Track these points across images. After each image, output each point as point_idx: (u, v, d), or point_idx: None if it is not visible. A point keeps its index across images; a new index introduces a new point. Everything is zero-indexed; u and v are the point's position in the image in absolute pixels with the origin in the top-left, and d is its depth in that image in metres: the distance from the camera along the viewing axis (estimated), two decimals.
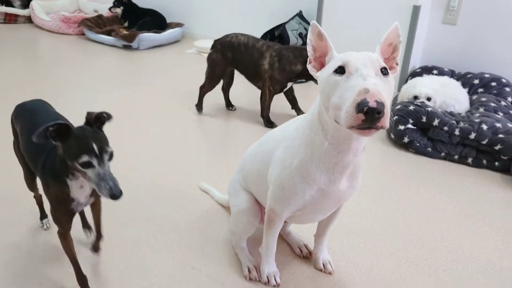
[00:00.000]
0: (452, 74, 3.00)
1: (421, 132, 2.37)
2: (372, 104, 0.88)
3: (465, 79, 2.91)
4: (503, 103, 2.60)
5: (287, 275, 1.52)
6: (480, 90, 2.82)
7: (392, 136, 2.43)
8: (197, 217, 1.80)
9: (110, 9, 4.42)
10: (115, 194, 1.05)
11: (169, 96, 3.06)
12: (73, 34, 4.46)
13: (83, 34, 4.38)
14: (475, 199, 1.99)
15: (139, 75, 3.50)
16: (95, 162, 1.04)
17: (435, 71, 3.00)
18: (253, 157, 1.39)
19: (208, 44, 4.08)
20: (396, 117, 2.39)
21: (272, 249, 1.44)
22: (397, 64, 1.11)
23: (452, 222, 1.84)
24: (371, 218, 1.84)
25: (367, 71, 0.96)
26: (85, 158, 1.03)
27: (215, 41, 2.67)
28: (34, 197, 1.63)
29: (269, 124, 2.64)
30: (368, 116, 0.89)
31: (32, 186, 1.56)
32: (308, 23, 3.54)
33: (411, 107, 2.37)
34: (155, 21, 4.30)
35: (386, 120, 0.91)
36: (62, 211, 1.22)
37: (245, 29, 4.09)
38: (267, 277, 1.46)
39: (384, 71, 0.99)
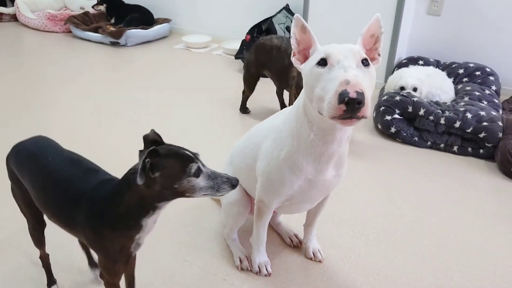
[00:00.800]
0: (437, 64, 3.04)
1: (408, 122, 2.41)
2: (353, 94, 0.91)
3: (450, 69, 2.96)
4: (487, 91, 2.65)
5: (278, 264, 1.55)
6: (465, 79, 2.87)
7: (380, 126, 2.47)
8: (188, 210, 1.82)
9: (93, 6, 4.39)
10: (235, 184, 1.00)
11: (158, 91, 3.07)
12: (60, 32, 4.42)
13: (70, 31, 4.35)
14: (461, 186, 2.03)
15: (127, 71, 3.50)
16: (200, 165, 0.96)
17: (421, 62, 3.04)
18: (241, 150, 1.41)
19: (196, 39, 4.10)
20: (382, 107, 2.43)
21: (263, 239, 1.47)
22: (379, 55, 1.13)
23: (438, 209, 1.88)
24: (359, 207, 1.88)
25: (348, 63, 0.98)
26: (194, 166, 0.94)
27: (253, 42, 2.63)
28: (41, 257, 1.37)
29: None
30: (349, 106, 0.91)
31: (41, 241, 1.31)
32: None
33: (397, 98, 2.40)
34: (142, 17, 4.29)
35: (367, 110, 0.94)
36: (122, 260, 1.08)
37: (232, 23, 4.11)
38: (259, 267, 1.49)
39: (365, 62, 1.02)
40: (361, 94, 0.91)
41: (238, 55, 3.45)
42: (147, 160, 0.90)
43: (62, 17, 4.39)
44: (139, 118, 2.64)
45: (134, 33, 4.02)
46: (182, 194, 0.96)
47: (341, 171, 1.25)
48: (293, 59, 1.13)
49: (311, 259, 1.57)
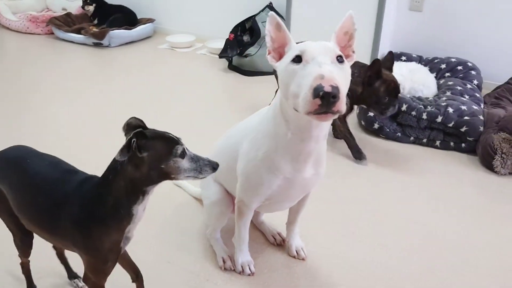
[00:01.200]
0: (420, 59, 3.07)
1: (390, 118, 2.41)
2: (327, 88, 0.91)
3: (432, 64, 2.98)
4: (469, 86, 2.67)
5: (262, 263, 1.55)
6: (447, 74, 2.89)
7: (363, 122, 2.48)
8: (172, 211, 1.81)
9: (83, 7, 4.33)
10: (215, 167, 1.04)
11: (143, 92, 3.05)
12: (42, 33, 4.37)
13: (52, 33, 4.29)
14: (444, 180, 2.05)
15: (111, 72, 3.47)
16: (185, 147, 1.01)
17: (403, 58, 3.06)
18: (221, 150, 1.41)
19: (180, 39, 4.08)
20: None
21: (245, 239, 1.47)
22: (353, 52, 1.14)
23: (422, 204, 1.89)
24: (343, 204, 1.89)
25: (323, 59, 0.99)
26: (180, 147, 0.98)
27: None
28: (22, 264, 1.33)
29: (358, 154, 2.20)
30: (324, 100, 0.92)
31: (28, 252, 1.28)
32: (279, 14, 3.55)
33: None
34: (126, 18, 4.25)
35: (342, 105, 0.94)
36: (113, 258, 1.08)
37: (216, 22, 4.10)
38: (242, 267, 1.49)
39: (340, 59, 1.02)
40: (336, 88, 0.92)
41: (222, 54, 3.44)
42: (133, 140, 0.92)
43: (44, 18, 4.34)
44: (124, 119, 2.61)
45: (117, 34, 3.98)
46: (167, 175, 1.00)
47: (320, 169, 1.25)
48: (268, 57, 1.12)
49: (294, 257, 1.57)
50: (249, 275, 1.49)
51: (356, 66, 2.14)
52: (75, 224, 1.02)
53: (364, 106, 2.18)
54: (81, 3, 4.38)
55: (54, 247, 1.38)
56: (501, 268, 1.54)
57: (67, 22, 4.28)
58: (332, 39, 1.10)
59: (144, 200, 1.03)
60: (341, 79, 0.97)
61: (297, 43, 1.10)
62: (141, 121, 1.04)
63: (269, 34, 1.10)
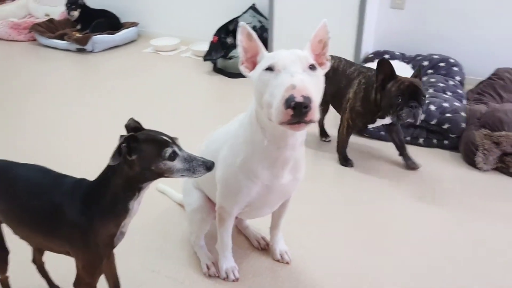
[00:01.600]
0: (403, 57, 3.08)
1: None
2: (299, 99, 0.91)
3: (415, 61, 3.00)
4: (451, 82, 2.69)
5: (246, 267, 1.55)
6: (430, 71, 2.91)
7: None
8: (156, 218, 1.81)
9: (68, 13, 4.28)
10: (210, 166, 1.07)
11: (128, 96, 3.03)
12: (25, 40, 4.32)
13: (35, 40, 4.25)
14: (427, 177, 2.07)
15: (95, 78, 3.44)
16: (176, 150, 1.04)
17: (387, 56, 3.07)
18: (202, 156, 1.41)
19: (164, 42, 4.06)
20: None
21: (228, 245, 1.46)
22: (327, 60, 1.14)
23: (404, 202, 1.91)
24: (326, 206, 1.89)
25: (295, 68, 0.99)
26: (169, 150, 1.03)
27: None
28: (1, 280, 1.32)
29: (345, 162, 2.19)
30: (296, 111, 0.92)
31: (4, 268, 1.28)
32: (262, 16, 3.56)
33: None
34: (109, 22, 4.21)
35: (314, 114, 0.94)
36: (107, 254, 1.14)
37: (200, 25, 4.08)
38: (226, 273, 1.49)
39: (312, 67, 1.03)
40: (307, 99, 0.92)
41: (207, 57, 3.43)
42: (122, 145, 0.99)
43: (26, 25, 4.29)
44: (109, 124, 2.60)
45: (101, 39, 3.95)
46: (161, 174, 1.06)
47: (298, 175, 1.25)
48: (241, 68, 1.12)
49: (278, 261, 1.58)
50: (233, 280, 1.49)
51: (365, 76, 2.04)
52: (76, 219, 1.07)
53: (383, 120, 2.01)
54: (64, 9, 4.34)
55: (34, 261, 1.37)
56: (484, 264, 1.56)
57: (49, 28, 4.24)
58: (306, 47, 1.11)
59: (140, 196, 1.10)
60: (313, 87, 0.98)
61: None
62: (138, 122, 1.11)
63: (241, 45, 1.10)
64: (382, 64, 1.88)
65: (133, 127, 1.09)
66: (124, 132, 1.08)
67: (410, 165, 2.14)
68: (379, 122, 2.06)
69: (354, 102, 2.05)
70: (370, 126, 2.14)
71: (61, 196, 1.09)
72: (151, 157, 1.02)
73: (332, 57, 2.19)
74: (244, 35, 1.09)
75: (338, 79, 2.15)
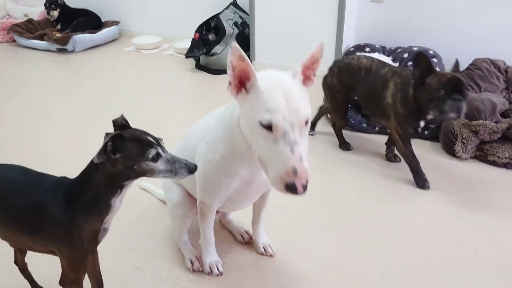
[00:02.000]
0: (383, 50, 3.11)
1: (355, 110, 2.45)
2: (300, 190, 0.96)
3: (395, 54, 3.02)
4: None
5: (230, 262, 1.56)
6: (410, 63, 2.94)
7: (329, 116, 2.50)
8: (139, 215, 1.81)
9: (48, 13, 4.22)
10: (193, 168, 1.08)
11: (110, 96, 3.01)
12: (3, 41, 4.25)
13: (14, 41, 4.18)
14: (407, 167, 2.09)
15: (77, 78, 3.41)
16: (160, 151, 1.05)
17: (367, 49, 3.10)
18: (180, 152, 1.41)
19: (146, 40, 4.03)
20: None
21: (210, 240, 1.47)
22: (314, 75, 1.10)
23: (387, 193, 1.93)
24: (308, 198, 1.90)
25: (294, 136, 0.97)
26: (153, 151, 1.04)
27: (334, 62, 2.25)
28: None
29: (421, 182, 1.95)
30: (293, 193, 0.97)
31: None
32: (243, 11, 3.55)
33: None
34: (89, 21, 4.17)
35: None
36: (91, 250, 1.15)
37: (181, 22, 4.07)
38: (210, 267, 1.50)
39: (306, 122, 1.02)
40: (306, 186, 0.96)
41: (189, 54, 3.42)
42: (108, 144, 1.00)
43: (4, 26, 4.22)
44: (91, 124, 2.58)
45: (82, 38, 3.91)
46: (143, 174, 1.07)
47: None
48: (228, 89, 1.06)
49: (262, 254, 1.59)
50: (217, 275, 1.50)
51: (400, 76, 1.93)
52: (60, 216, 1.07)
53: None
54: (43, 9, 4.28)
55: (16, 262, 1.36)
56: (465, 252, 1.59)
57: (29, 28, 4.18)
58: (298, 70, 1.06)
59: (122, 193, 1.10)
60: (305, 148, 1.00)
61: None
62: (126, 120, 1.12)
63: (230, 65, 1.02)
64: (418, 58, 1.77)
65: (120, 124, 1.10)
66: (111, 129, 1.08)
67: (389, 158, 2.18)
68: (423, 123, 1.94)
69: (395, 105, 1.91)
70: (422, 124, 1.97)
71: (43, 195, 1.09)
72: (135, 157, 1.03)
73: (366, 57, 2.13)
74: (236, 56, 1.00)
75: (372, 79, 2.02)
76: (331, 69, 2.21)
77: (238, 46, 0.99)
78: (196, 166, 1.08)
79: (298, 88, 1.03)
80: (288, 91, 1.00)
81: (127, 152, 1.03)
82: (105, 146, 1.00)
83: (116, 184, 1.08)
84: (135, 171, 1.05)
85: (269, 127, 0.97)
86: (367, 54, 2.92)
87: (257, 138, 1.01)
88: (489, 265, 1.52)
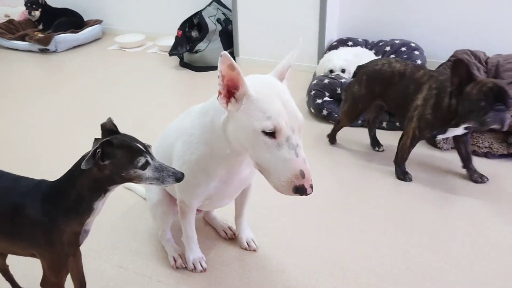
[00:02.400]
0: (366, 43, 3.13)
1: (338, 103, 2.46)
2: (309, 191, 0.99)
3: (378, 47, 3.05)
4: None
5: (214, 258, 1.57)
6: (392, 56, 2.96)
7: (312, 110, 2.52)
8: (123, 214, 1.80)
9: (29, 13, 4.17)
10: (180, 177, 1.08)
11: (94, 96, 2.99)
12: None
13: None
14: (390, 159, 2.10)
15: (60, 78, 3.38)
16: (149, 159, 1.05)
17: (350, 43, 3.12)
18: (157, 151, 1.41)
19: (129, 38, 4.01)
20: (313, 91, 2.47)
21: (192, 237, 1.48)
22: (286, 78, 1.14)
23: (369, 185, 1.95)
24: None
25: (296, 139, 1.01)
26: (142, 159, 1.04)
27: (358, 68, 2.09)
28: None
29: (402, 175, 1.97)
30: (301, 194, 1.00)
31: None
32: (226, 7, 3.55)
33: (326, 81, 2.46)
34: (72, 21, 4.13)
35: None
36: (71, 252, 1.14)
37: (165, 20, 4.04)
38: (193, 264, 1.50)
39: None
40: (312, 186, 0.99)
41: (172, 51, 3.40)
42: (98, 150, 0.99)
43: None
44: (76, 125, 2.56)
45: (64, 38, 3.87)
46: (130, 180, 1.07)
47: None
48: (218, 99, 1.05)
49: (246, 249, 1.60)
50: (201, 271, 1.50)
51: (436, 80, 1.83)
52: (39, 219, 1.06)
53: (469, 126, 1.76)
54: (24, 9, 4.23)
55: None
56: (447, 241, 1.61)
57: (10, 29, 4.13)
58: (284, 73, 1.12)
59: (105, 197, 1.10)
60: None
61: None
62: (114, 125, 1.10)
63: (220, 75, 1.00)
64: (457, 65, 1.68)
65: (108, 129, 1.09)
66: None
67: (475, 179, 1.94)
68: (451, 132, 1.85)
69: (424, 110, 1.82)
70: (440, 136, 1.94)
71: (22, 197, 1.08)
72: (123, 164, 1.03)
73: (398, 60, 2.00)
74: (225, 65, 0.99)
75: (405, 84, 1.90)
76: (358, 77, 2.05)
77: (228, 54, 0.97)
78: (183, 175, 1.09)
79: (288, 91, 1.06)
80: (284, 97, 1.03)
81: (116, 158, 1.02)
82: (94, 152, 0.99)
83: (100, 188, 1.08)
84: (122, 177, 1.05)
85: (271, 134, 0.99)
86: (348, 48, 2.94)
87: (258, 146, 1.01)
88: (468, 250, 1.55)
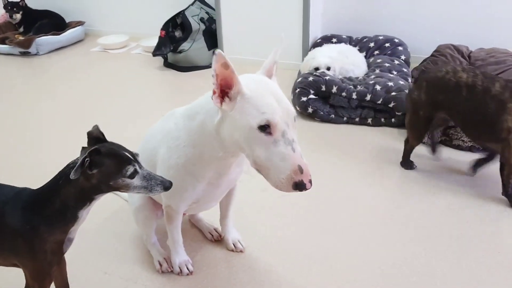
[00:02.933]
0: (350, 40, 3.13)
1: (323, 101, 2.46)
2: (308, 186, 0.98)
3: (362, 44, 3.06)
4: (396, 62, 2.76)
5: (200, 260, 1.55)
6: (376, 52, 2.98)
7: (297, 108, 2.51)
8: (108, 218, 1.78)
9: (10, 16, 4.09)
10: (168, 186, 1.07)
11: (78, 98, 2.94)
12: None
13: None
14: (377, 155, 2.12)
15: (42, 81, 3.33)
16: (137, 168, 1.04)
17: (334, 40, 3.12)
18: (140, 155, 1.39)
19: (112, 40, 3.96)
20: (298, 89, 2.47)
21: (178, 241, 1.46)
22: (274, 74, 1.15)
23: (355, 182, 1.95)
24: (276, 192, 1.90)
25: (291, 134, 1.01)
26: (131, 168, 1.03)
27: (420, 74, 1.91)
28: None
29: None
30: (300, 190, 0.99)
31: None
32: (209, 7, 3.52)
33: (310, 78, 2.45)
34: (53, 22, 4.07)
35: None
36: (56, 261, 1.11)
37: (148, 20, 4.00)
38: (179, 267, 1.48)
39: (295, 118, 1.06)
40: (311, 180, 0.99)
41: (156, 52, 3.37)
42: (86, 159, 0.97)
43: None
44: (59, 128, 2.52)
45: (45, 40, 3.81)
46: (117, 189, 1.06)
47: (243, 165, 1.27)
48: (213, 98, 1.03)
49: (232, 250, 1.58)
50: (187, 274, 1.48)
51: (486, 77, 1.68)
52: (20, 228, 1.04)
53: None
54: (3, 11, 4.15)
55: None
56: (432, 235, 1.62)
57: None
58: (272, 71, 1.13)
59: (91, 205, 1.09)
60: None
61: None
62: (101, 133, 1.08)
63: (214, 74, 1.00)
64: None
65: (96, 137, 1.07)
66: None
67: None
68: None
69: None
70: None
71: (1, 206, 1.06)
72: (112, 173, 1.02)
73: (464, 69, 1.76)
74: (219, 64, 0.98)
75: (481, 100, 1.67)
76: (418, 83, 1.86)
77: (222, 53, 0.97)
78: (171, 183, 1.07)
79: (279, 88, 1.06)
80: (276, 93, 1.04)
81: (104, 167, 1.01)
82: (82, 161, 0.97)
83: (86, 198, 1.06)
84: (110, 186, 1.04)
85: (267, 130, 0.99)
86: (332, 45, 2.94)
87: (255, 144, 1.01)
88: (455, 243, 1.56)
